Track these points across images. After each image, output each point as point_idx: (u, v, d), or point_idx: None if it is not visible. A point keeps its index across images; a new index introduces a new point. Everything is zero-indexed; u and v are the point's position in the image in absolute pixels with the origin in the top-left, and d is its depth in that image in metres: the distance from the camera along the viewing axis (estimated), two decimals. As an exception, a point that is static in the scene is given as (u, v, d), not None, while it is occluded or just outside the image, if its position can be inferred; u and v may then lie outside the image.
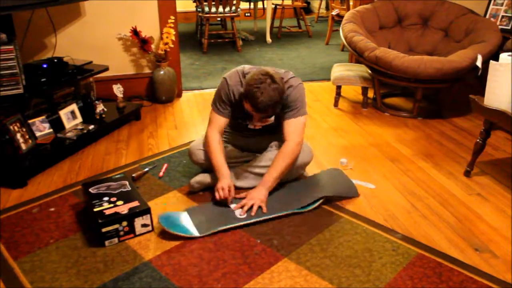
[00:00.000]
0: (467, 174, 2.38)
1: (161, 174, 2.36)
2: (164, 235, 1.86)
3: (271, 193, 2.07)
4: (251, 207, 1.97)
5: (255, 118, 2.07)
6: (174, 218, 1.93)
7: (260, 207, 1.98)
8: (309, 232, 1.89)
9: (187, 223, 1.91)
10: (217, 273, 1.65)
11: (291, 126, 2.08)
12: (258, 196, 2.00)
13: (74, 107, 2.76)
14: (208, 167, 2.21)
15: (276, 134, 2.22)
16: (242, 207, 1.98)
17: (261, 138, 2.28)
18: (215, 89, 2.19)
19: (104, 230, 1.77)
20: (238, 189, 2.14)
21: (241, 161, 2.27)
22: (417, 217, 2.02)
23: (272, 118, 2.18)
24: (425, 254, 1.76)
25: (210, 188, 2.17)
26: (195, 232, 1.86)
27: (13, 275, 1.65)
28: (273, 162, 2.06)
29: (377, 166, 2.49)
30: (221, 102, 2.12)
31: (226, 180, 2.02)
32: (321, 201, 2.05)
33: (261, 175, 2.12)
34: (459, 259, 1.74)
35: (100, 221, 1.76)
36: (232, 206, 2.02)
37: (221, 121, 2.14)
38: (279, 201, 2.05)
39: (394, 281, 1.62)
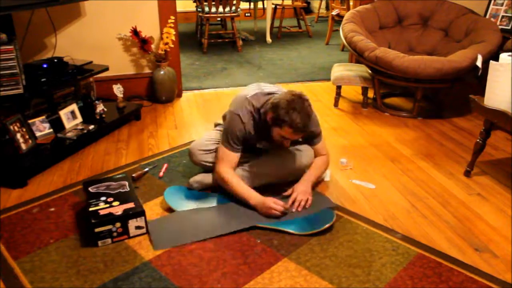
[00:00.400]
0: (467, 174, 2.38)
1: (161, 174, 2.36)
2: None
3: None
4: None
5: (287, 141, 2.02)
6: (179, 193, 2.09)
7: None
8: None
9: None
10: (217, 273, 1.65)
11: (319, 147, 2.23)
12: (307, 190, 2.07)
13: (74, 107, 2.77)
14: (208, 168, 2.22)
15: (280, 151, 2.19)
16: (293, 202, 2.02)
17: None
18: (215, 89, 2.19)
19: (97, 230, 1.77)
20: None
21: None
22: (417, 217, 2.02)
23: None
24: (425, 254, 1.76)
25: (208, 188, 2.18)
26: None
27: (13, 275, 1.65)
28: (313, 164, 2.19)
29: (377, 166, 2.49)
30: (236, 139, 2.05)
31: (267, 198, 1.98)
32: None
33: (273, 175, 2.15)
34: (459, 259, 1.74)
35: (93, 221, 1.77)
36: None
37: (235, 158, 2.08)
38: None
39: (394, 281, 1.62)
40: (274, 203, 1.95)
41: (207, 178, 2.18)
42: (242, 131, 2.04)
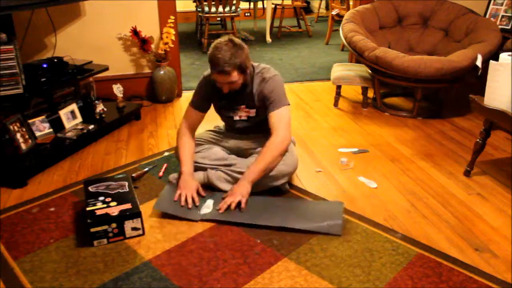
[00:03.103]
0: (467, 174, 2.38)
1: (160, 174, 2.36)
2: (164, 233, 1.87)
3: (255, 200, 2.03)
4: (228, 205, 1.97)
5: (224, 87, 2.04)
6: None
7: (239, 203, 1.97)
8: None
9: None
10: (217, 273, 1.65)
11: (273, 118, 2.07)
12: (240, 191, 1.98)
13: (74, 107, 2.76)
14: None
15: (263, 134, 2.17)
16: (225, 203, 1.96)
17: (248, 140, 2.27)
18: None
19: (92, 230, 1.77)
20: (219, 191, 2.12)
21: (224, 163, 2.19)
22: (417, 217, 2.02)
23: (254, 110, 2.17)
24: (425, 254, 1.76)
25: None
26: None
27: (13, 275, 1.65)
28: (259, 155, 2.04)
29: (377, 166, 2.49)
30: (196, 95, 2.20)
31: (188, 179, 2.05)
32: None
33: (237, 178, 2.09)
34: (459, 259, 1.74)
35: (89, 221, 1.77)
36: (208, 202, 2.03)
37: (194, 116, 2.19)
38: (260, 210, 1.99)
39: (394, 281, 1.62)
40: (188, 190, 2.01)
41: None
42: (202, 86, 2.18)
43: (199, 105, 2.20)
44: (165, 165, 2.44)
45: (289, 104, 2.11)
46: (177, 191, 2.05)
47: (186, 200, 2.01)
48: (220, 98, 2.17)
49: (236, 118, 2.22)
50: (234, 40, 2.01)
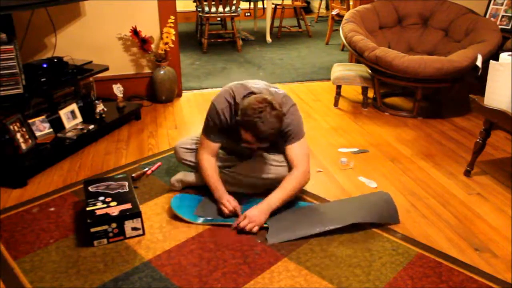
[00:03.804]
0: (467, 173, 2.38)
1: (148, 172, 2.35)
2: (164, 233, 1.87)
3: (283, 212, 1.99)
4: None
5: (252, 144, 1.94)
6: (187, 200, 2.07)
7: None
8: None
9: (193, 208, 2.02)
10: (217, 273, 1.65)
11: (293, 151, 2.01)
12: (257, 220, 1.89)
13: (74, 107, 2.76)
14: (191, 167, 2.22)
15: (269, 149, 2.13)
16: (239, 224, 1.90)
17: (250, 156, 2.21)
18: (215, 88, 2.18)
19: (92, 230, 1.77)
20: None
21: (224, 165, 2.18)
22: (417, 217, 2.02)
23: (267, 144, 2.06)
24: (425, 254, 1.76)
25: (192, 187, 2.20)
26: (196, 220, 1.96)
27: (13, 275, 1.65)
28: (282, 185, 1.98)
29: (377, 166, 2.49)
30: (212, 129, 2.04)
31: (226, 196, 1.99)
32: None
33: (253, 184, 2.08)
34: (459, 259, 1.74)
35: (89, 221, 1.77)
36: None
37: (213, 147, 2.07)
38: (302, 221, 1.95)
39: (394, 281, 1.62)
40: (226, 201, 1.96)
41: (188, 176, 2.18)
42: (217, 120, 2.01)
43: (217, 138, 2.07)
44: (157, 164, 2.43)
45: (304, 134, 2.06)
46: (223, 200, 1.98)
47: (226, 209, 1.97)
48: (234, 135, 2.02)
49: (245, 145, 2.06)
50: (273, 104, 1.83)
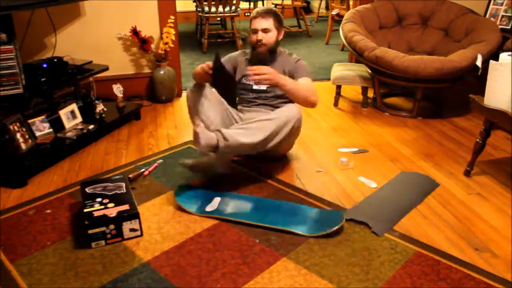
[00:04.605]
0: (467, 173, 2.37)
1: (146, 173, 2.35)
2: (162, 234, 1.87)
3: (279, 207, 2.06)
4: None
5: (257, 35, 2.32)
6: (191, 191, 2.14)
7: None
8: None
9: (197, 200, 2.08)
10: (216, 273, 1.65)
11: (305, 82, 2.30)
12: (272, 73, 2.10)
13: (74, 107, 2.77)
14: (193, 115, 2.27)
15: (278, 102, 2.41)
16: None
17: (259, 112, 2.38)
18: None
19: (90, 232, 1.76)
20: (227, 191, 2.17)
21: (233, 118, 2.37)
22: (417, 216, 2.02)
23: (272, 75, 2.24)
24: (423, 252, 1.76)
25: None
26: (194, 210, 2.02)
27: (10, 278, 1.64)
28: (296, 83, 2.26)
29: (377, 166, 2.48)
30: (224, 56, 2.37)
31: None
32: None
33: (261, 127, 2.14)
34: (457, 257, 1.74)
35: (86, 222, 1.76)
36: (215, 200, 2.06)
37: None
38: (263, 211, 2.01)
39: (393, 279, 1.62)
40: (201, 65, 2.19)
41: (199, 160, 2.21)
42: (234, 54, 2.52)
43: (227, 63, 2.40)
44: (155, 164, 2.43)
45: (312, 77, 2.37)
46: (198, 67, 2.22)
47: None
48: (246, 66, 2.34)
49: (256, 87, 2.36)
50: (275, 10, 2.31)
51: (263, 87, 2.39)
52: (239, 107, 2.46)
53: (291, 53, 2.49)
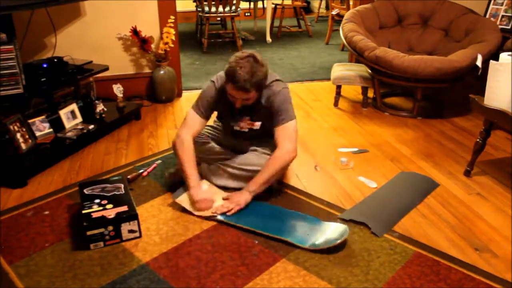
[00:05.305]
0: (467, 173, 2.37)
1: (144, 173, 2.35)
2: (161, 235, 1.87)
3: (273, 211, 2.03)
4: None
5: (236, 102, 2.01)
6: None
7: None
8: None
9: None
10: (215, 274, 1.65)
11: (279, 132, 2.05)
12: (237, 199, 1.99)
13: (74, 106, 2.76)
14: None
15: (262, 141, 2.21)
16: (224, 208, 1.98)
17: (246, 143, 2.26)
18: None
19: (89, 233, 1.76)
20: (226, 189, 2.15)
21: (219, 158, 2.21)
22: (417, 216, 2.02)
23: (258, 124, 2.15)
24: (422, 253, 1.76)
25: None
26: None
27: (8, 279, 1.64)
28: (263, 167, 2.03)
29: (377, 166, 2.48)
30: (203, 102, 2.11)
31: (199, 191, 2.00)
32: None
33: (235, 175, 2.13)
34: (456, 257, 1.74)
35: (85, 224, 1.76)
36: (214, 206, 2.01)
37: (197, 123, 2.11)
38: (266, 218, 1.97)
39: (392, 280, 1.62)
40: (198, 201, 1.97)
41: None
42: (210, 93, 2.10)
43: (205, 113, 2.12)
44: (153, 165, 2.43)
45: (295, 118, 2.09)
46: (195, 206, 1.99)
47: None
48: (226, 107, 2.14)
49: (237, 128, 2.20)
50: (257, 57, 1.96)
51: (245, 130, 2.19)
52: (223, 136, 2.35)
53: (272, 85, 2.08)
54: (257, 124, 2.15)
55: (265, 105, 2.08)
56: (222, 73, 2.08)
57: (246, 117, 2.15)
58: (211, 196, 2.04)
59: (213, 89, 2.10)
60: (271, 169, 2.01)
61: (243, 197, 2.00)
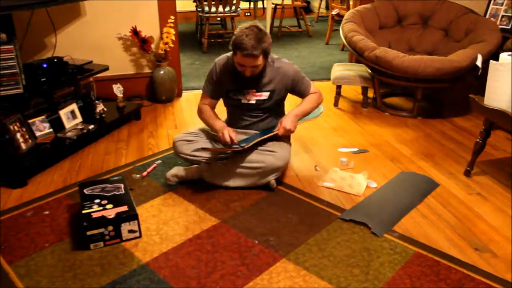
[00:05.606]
0: (467, 173, 2.37)
1: (144, 173, 2.35)
2: (161, 235, 1.87)
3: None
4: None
5: (246, 71, 2.11)
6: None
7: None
8: (306, 232, 1.89)
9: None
10: (215, 274, 1.65)
11: (309, 93, 2.30)
12: (293, 121, 2.20)
13: (74, 106, 2.77)
14: (189, 160, 2.28)
15: (269, 119, 2.32)
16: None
17: (255, 125, 2.33)
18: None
19: (89, 233, 1.76)
20: (227, 188, 2.20)
21: (219, 157, 2.27)
22: (417, 216, 2.02)
23: (265, 94, 2.22)
24: (422, 253, 1.76)
25: (187, 182, 2.25)
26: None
27: (8, 279, 1.64)
28: (303, 101, 2.29)
29: (377, 166, 2.48)
30: (209, 82, 2.29)
31: (223, 126, 2.18)
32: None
33: (242, 174, 2.18)
34: (456, 257, 1.74)
35: (85, 224, 1.76)
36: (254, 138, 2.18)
37: (209, 102, 2.34)
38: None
39: (392, 280, 1.62)
40: (226, 132, 2.13)
41: (181, 171, 2.24)
42: (215, 72, 2.27)
43: (214, 93, 2.31)
44: (153, 165, 2.43)
45: (310, 80, 2.33)
46: (220, 132, 2.16)
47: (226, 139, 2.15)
48: (231, 81, 2.24)
49: (244, 101, 2.26)
50: (259, 26, 2.08)
51: (252, 101, 2.24)
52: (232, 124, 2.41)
53: (274, 60, 2.23)
54: (264, 95, 2.23)
55: (272, 79, 2.22)
56: (222, 55, 2.28)
57: (252, 89, 2.23)
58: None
59: (215, 67, 2.27)
60: (310, 104, 2.28)
61: (293, 119, 2.20)
